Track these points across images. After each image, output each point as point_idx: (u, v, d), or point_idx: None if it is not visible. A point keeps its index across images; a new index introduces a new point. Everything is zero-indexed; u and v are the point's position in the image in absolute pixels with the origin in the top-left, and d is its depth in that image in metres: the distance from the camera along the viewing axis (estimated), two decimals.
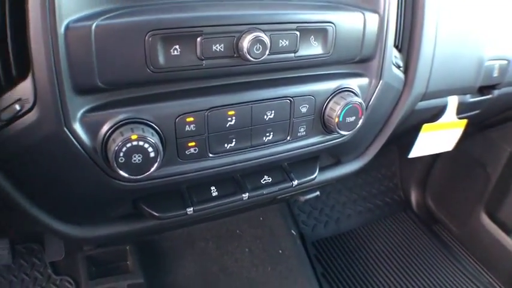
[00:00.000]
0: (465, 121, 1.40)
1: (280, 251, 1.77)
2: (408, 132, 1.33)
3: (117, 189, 0.83)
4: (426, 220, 2.34)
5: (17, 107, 0.73)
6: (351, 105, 0.92)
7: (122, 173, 0.76)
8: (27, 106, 0.73)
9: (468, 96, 1.36)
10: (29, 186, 0.86)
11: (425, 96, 1.18)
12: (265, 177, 1.00)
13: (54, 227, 0.94)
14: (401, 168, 2.46)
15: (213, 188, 0.96)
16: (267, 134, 0.90)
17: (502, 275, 2.00)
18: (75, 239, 0.97)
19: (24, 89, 0.72)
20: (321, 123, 0.94)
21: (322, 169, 1.10)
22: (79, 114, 0.74)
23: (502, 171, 1.96)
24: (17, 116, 0.74)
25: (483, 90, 1.42)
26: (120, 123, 0.75)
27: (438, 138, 1.40)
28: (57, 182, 0.84)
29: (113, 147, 0.74)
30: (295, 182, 1.02)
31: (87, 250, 1.61)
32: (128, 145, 0.73)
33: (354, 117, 0.93)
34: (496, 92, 1.44)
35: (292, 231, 1.87)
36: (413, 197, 2.41)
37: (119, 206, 0.94)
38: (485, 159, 2.03)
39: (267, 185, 0.99)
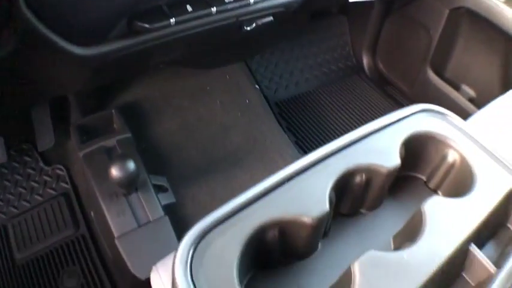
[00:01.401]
0: None
1: (247, 101, 2.04)
2: None
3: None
4: (379, 82, 2.59)
5: None
6: None
7: None
8: None
9: None
10: (52, 17, 1.10)
11: None
12: None
13: (69, 48, 1.19)
14: (352, 37, 2.68)
15: (188, 5, 1.22)
16: None
17: None
18: (85, 56, 1.22)
19: None
20: None
21: None
22: None
23: (443, 31, 2.20)
24: None
25: None
26: None
27: None
28: (74, 8, 1.10)
29: None
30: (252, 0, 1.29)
31: (76, 121, 1.83)
32: None
33: None
34: None
35: (256, 86, 2.13)
36: (365, 62, 2.65)
37: (117, 23, 1.20)
38: (428, 21, 2.26)
39: (230, 2, 1.26)
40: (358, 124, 2.30)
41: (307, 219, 0.84)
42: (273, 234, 0.85)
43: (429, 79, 2.33)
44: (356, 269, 0.79)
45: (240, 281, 0.78)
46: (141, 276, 1.46)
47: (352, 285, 0.78)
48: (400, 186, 1.05)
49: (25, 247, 1.69)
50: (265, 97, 2.18)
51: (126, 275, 1.51)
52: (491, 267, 0.90)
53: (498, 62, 2.09)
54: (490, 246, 1.04)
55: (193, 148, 1.83)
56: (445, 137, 1.08)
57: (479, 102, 2.16)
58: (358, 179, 0.97)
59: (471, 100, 2.21)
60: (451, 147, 1.08)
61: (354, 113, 2.38)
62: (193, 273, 0.76)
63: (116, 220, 1.54)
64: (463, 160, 1.05)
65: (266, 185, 0.87)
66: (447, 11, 2.14)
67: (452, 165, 1.07)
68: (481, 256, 0.92)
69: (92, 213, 1.68)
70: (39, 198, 1.80)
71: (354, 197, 1.00)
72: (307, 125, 2.24)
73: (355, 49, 2.73)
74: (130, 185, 1.51)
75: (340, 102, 2.39)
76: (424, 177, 1.14)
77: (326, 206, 0.86)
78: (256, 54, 2.32)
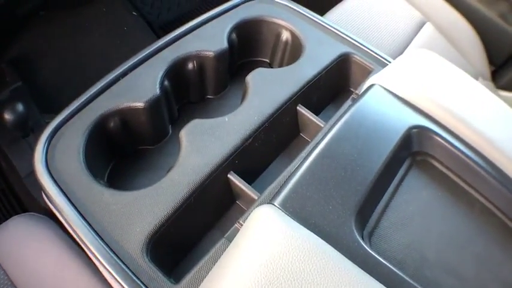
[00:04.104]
0: None
1: (126, 28, 2.11)
2: None
3: None
4: None
5: None
6: None
7: None
8: None
9: None
10: None
11: None
12: None
13: None
14: None
15: None
16: None
17: None
18: None
19: None
20: None
21: None
22: None
23: None
24: None
25: None
26: None
27: None
28: None
29: None
30: None
31: None
32: None
33: None
34: None
35: (134, 13, 2.19)
36: None
37: None
38: None
39: None
40: None
41: (139, 104, 0.94)
42: (115, 123, 0.96)
43: None
44: (182, 135, 0.91)
45: (94, 168, 0.90)
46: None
47: (179, 150, 0.89)
48: (247, 71, 1.11)
49: None
50: (149, 23, 2.22)
51: (38, 209, 1.61)
52: (320, 122, 1.02)
53: None
54: (332, 108, 1.16)
55: (80, 81, 1.88)
56: (274, 18, 1.18)
57: None
58: (191, 66, 1.07)
59: None
60: (281, 26, 1.18)
61: None
62: (48, 163, 0.88)
63: (19, 162, 1.62)
64: (294, 36, 1.16)
65: (103, 82, 0.97)
66: None
67: (286, 43, 1.18)
68: (308, 113, 1.03)
69: (3, 165, 1.75)
70: None
71: (194, 84, 1.10)
72: None
73: None
74: (23, 126, 1.59)
75: None
76: (267, 60, 1.25)
77: (156, 91, 0.97)
78: None
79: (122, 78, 0.98)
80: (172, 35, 1.06)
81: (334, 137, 0.81)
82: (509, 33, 1.75)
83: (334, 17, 1.54)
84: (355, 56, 1.11)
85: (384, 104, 0.89)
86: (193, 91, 1.10)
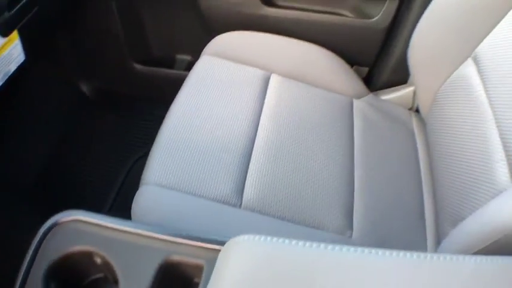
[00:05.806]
0: None
1: None
2: None
3: None
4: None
5: None
6: None
7: None
8: None
9: None
10: None
11: None
12: None
13: None
14: None
15: None
16: None
17: None
18: None
19: None
20: None
21: None
22: None
23: None
24: None
25: None
26: None
27: None
28: None
29: None
30: None
31: None
32: None
33: None
34: None
35: None
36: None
37: None
38: None
39: None
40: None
41: None
42: None
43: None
44: None
45: None
46: None
47: None
48: None
49: None
50: None
51: None
52: None
53: None
54: None
55: None
56: (77, 246, 1.02)
57: None
58: None
59: None
60: (89, 252, 1.01)
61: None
62: None
63: None
64: (104, 259, 1.00)
65: None
66: None
67: (105, 266, 1.02)
68: None
69: None
70: None
71: None
72: None
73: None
74: None
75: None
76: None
77: None
78: None
79: None
80: None
81: None
82: (369, 27, 1.67)
83: (173, 118, 1.45)
84: (178, 258, 0.97)
85: None
86: None
